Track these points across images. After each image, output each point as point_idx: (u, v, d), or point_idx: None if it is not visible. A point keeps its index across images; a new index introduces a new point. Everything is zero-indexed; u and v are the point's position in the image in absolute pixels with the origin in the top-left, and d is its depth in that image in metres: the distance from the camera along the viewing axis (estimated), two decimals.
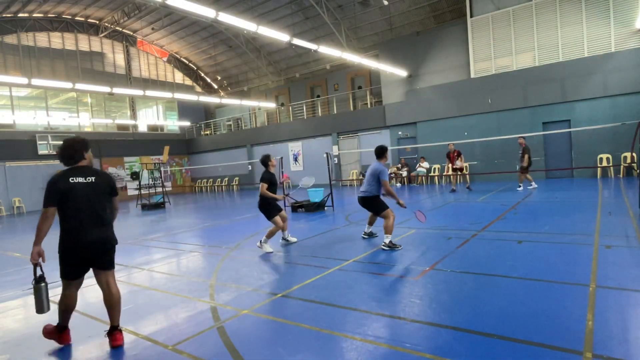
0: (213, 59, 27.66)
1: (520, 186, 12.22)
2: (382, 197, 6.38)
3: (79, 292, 3.42)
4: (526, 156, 11.81)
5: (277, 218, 6.37)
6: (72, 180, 3.13)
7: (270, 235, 6.36)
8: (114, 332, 3.30)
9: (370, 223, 6.91)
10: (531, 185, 12.25)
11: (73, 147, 3.25)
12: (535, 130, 14.53)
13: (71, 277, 3.24)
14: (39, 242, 3.06)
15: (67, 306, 3.34)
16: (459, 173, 13.62)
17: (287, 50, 24.19)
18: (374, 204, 6.42)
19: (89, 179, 3.20)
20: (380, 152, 6.57)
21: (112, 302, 3.31)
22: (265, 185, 6.32)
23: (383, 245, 5.97)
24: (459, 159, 13.28)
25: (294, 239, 6.99)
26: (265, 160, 6.56)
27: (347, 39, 21.47)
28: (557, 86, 14.63)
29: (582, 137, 14.15)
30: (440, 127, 17.10)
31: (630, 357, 2.51)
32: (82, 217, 3.13)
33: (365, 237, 6.88)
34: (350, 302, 3.87)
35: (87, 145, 3.31)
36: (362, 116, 20.21)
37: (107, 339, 3.33)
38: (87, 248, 3.16)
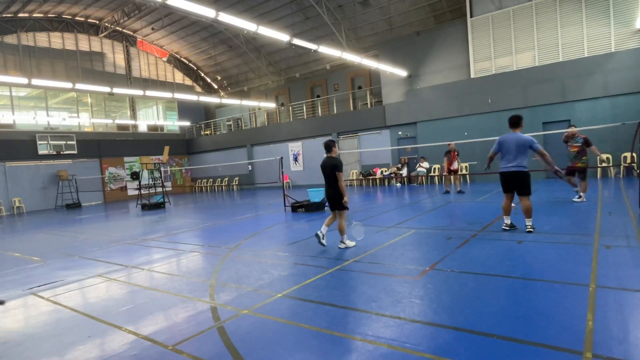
0: (213, 59, 27.65)
1: (581, 196, 8.92)
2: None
3: (79, 292, 3.44)
4: (593, 148, 8.77)
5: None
6: None
7: (343, 230, 6.09)
8: None
9: (508, 212, 6.27)
10: (580, 197, 8.96)
11: None
12: (535, 130, 14.50)
13: None
14: None
15: None
16: (454, 175, 12.98)
17: (287, 50, 24.18)
18: (526, 181, 5.89)
19: None
20: (517, 120, 6.09)
21: None
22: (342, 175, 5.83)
23: (529, 228, 6.13)
24: (457, 159, 12.84)
25: (352, 243, 6.29)
26: (331, 145, 6.03)
27: (347, 39, 21.47)
28: (557, 86, 14.63)
29: None
30: (440, 127, 17.10)
31: (630, 357, 2.51)
32: None
33: (507, 229, 6.33)
34: (350, 302, 3.87)
35: None
36: (362, 116, 20.21)
37: (106, 339, 3.42)
38: None
